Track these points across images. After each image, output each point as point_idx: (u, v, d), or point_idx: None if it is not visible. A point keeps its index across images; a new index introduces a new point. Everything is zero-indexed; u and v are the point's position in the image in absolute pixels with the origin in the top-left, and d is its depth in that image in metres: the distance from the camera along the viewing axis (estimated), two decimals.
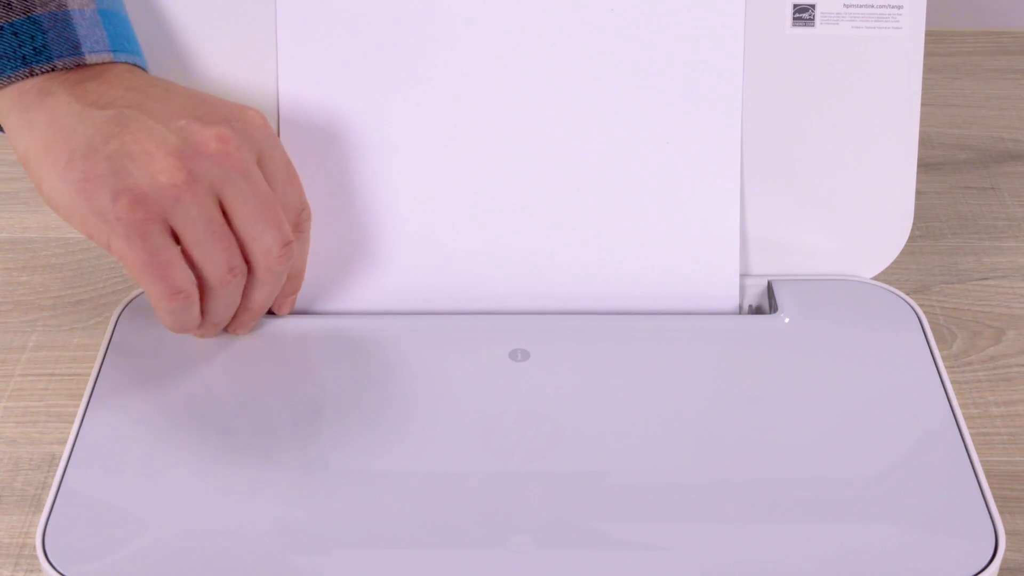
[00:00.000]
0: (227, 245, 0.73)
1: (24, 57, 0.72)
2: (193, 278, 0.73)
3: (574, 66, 0.81)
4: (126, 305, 0.82)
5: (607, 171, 0.82)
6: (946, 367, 0.82)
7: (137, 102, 0.73)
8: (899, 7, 0.81)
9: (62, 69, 0.72)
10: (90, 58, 0.73)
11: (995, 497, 0.72)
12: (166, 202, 0.70)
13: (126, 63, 0.75)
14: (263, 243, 0.74)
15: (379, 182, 0.82)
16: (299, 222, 0.77)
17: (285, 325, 0.80)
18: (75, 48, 0.73)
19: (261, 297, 0.76)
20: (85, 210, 0.71)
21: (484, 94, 0.81)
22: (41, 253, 0.92)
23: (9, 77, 0.72)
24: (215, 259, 0.72)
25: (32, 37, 0.72)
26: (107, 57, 0.73)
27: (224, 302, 0.75)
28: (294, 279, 0.79)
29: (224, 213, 0.73)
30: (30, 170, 0.73)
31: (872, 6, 0.81)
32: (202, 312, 0.75)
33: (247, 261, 0.74)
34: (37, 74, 0.72)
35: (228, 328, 0.78)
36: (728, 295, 0.82)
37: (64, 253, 0.92)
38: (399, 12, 0.80)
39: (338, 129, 0.81)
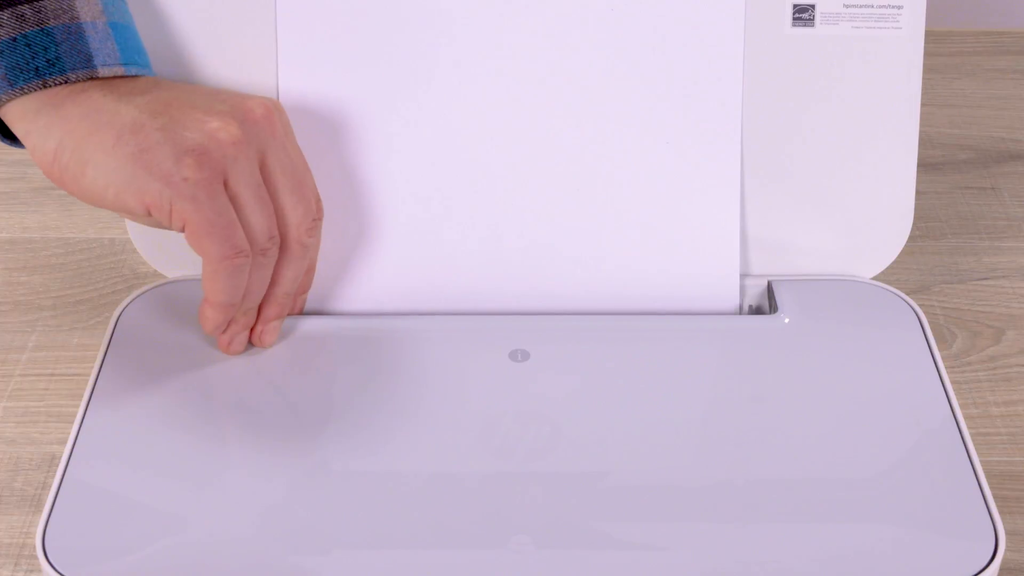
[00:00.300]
0: (270, 212, 0.74)
1: (37, 69, 0.72)
2: (247, 239, 0.74)
3: (574, 66, 0.81)
4: (126, 305, 0.82)
5: (607, 171, 0.82)
6: (946, 367, 0.82)
7: (171, 88, 0.75)
8: (899, 7, 0.81)
9: (75, 82, 0.72)
10: (102, 71, 0.73)
11: (995, 497, 0.72)
12: (227, 160, 0.72)
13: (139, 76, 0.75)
14: (296, 215, 0.75)
15: (379, 182, 0.82)
16: (316, 209, 0.77)
17: (285, 325, 0.80)
18: (88, 61, 0.73)
19: (289, 275, 0.77)
20: (145, 179, 0.71)
21: (484, 94, 0.81)
22: (41, 253, 0.92)
23: (22, 88, 0.72)
24: (260, 223, 0.74)
25: (45, 49, 0.72)
26: (119, 71, 0.74)
27: (260, 274, 0.75)
28: (307, 275, 0.80)
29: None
30: (64, 166, 0.72)
31: (872, 6, 0.81)
32: None
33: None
34: (50, 86, 0.72)
35: (252, 337, 0.78)
36: (728, 295, 0.82)
37: (64, 253, 0.92)
38: (399, 11, 0.80)
39: (338, 128, 0.81)
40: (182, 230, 0.72)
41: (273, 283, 0.77)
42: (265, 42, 0.81)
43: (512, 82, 0.81)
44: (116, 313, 0.81)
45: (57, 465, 0.74)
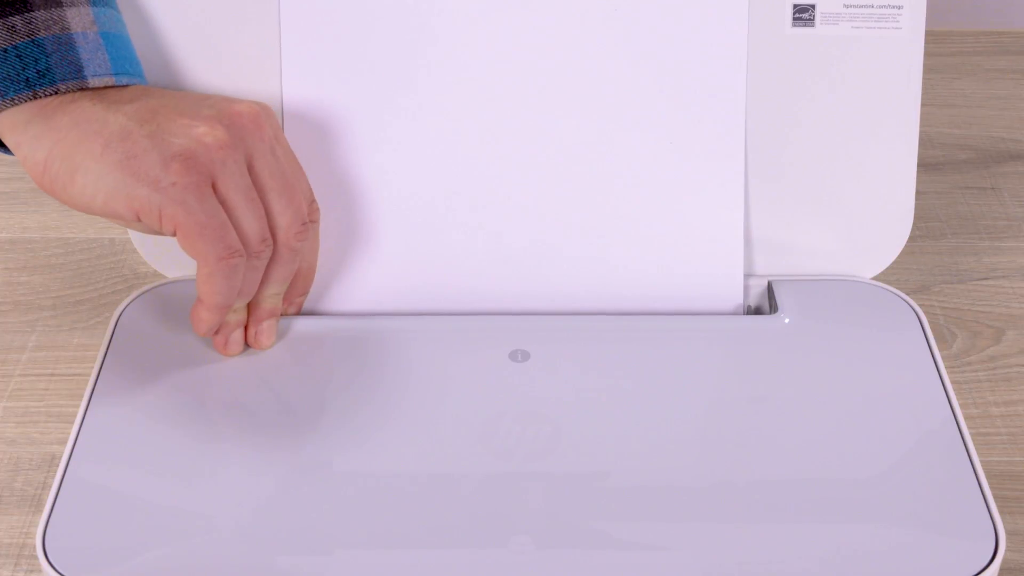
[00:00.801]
0: (261, 214, 0.74)
1: (28, 80, 0.72)
2: (240, 240, 0.74)
3: (578, 66, 0.81)
4: (126, 305, 0.82)
5: (610, 171, 0.82)
6: (946, 367, 0.82)
7: (157, 96, 0.75)
8: (899, 7, 0.81)
9: (64, 92, 0.72)
10: (93, 81, 0.73)
11: (995, 497, 0.72)
12: (215, 164, 0.72)
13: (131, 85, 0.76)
14: (285, 218, 0.75)
15: (380, 183, 0.82)
16: (310, 212, 0.77)
17: (285, 325, 0.80)
18: (78, 71, 0.73)
19: (277, 277, 0.77)
20: (133, 185, 0.71)
21: (487, 94, 0.81)
22: (41, 253, 0.92)
23: (13, 99, 0.72)
24: (252, 226, 0.74)
25: (36, 60, 0.72)
26: (109, 80, 0.74)
27: (251, 276, 0.75)
28: (305, 277, 0.80)
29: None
30: (54, 175, 0.72)
31: (872, 6, 0.81)
32: None
33: None
34: (41, 97, 0.72)
35: (248, 339, 0.78)
36: (732, 296, 0.82)
37: (64, 253, 0.92)
38: (402, 13, 0.80)
39: (342, 130, 0.81)
40: (174, 234, 0.72)
41: (262, 284, 0.77)
42: (269, 47, 0.81)
43: (515, 83, 0.81)
44: (116, 313, 0.81)
45: (57, 465, 0.74)
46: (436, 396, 0.75)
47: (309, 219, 0.77)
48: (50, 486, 0.75)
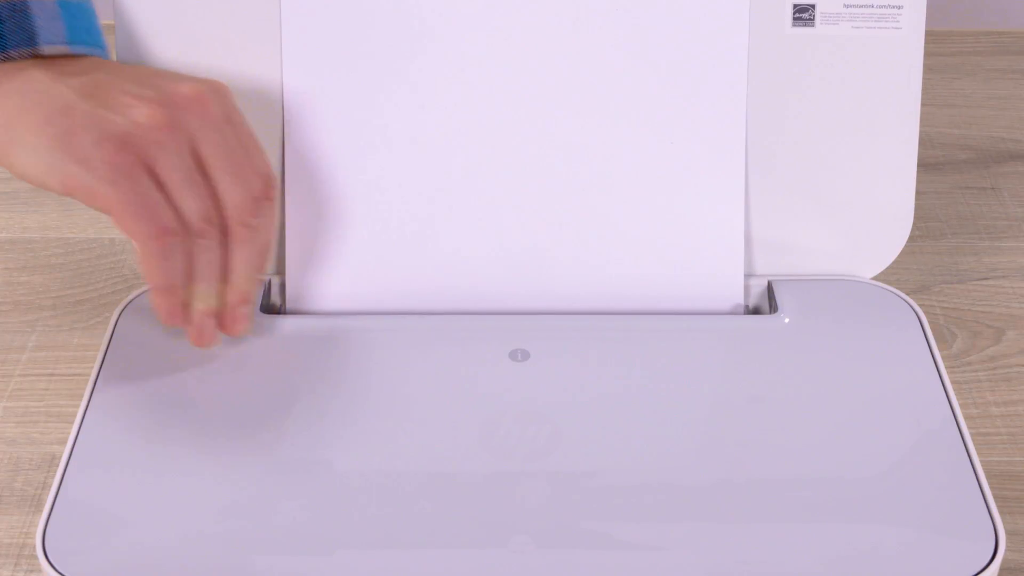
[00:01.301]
0: (204, 193, 0.73)
1: None
2: (177, 219, 0.72)
3: (578, 65, 0.81)
4: (126, 305, 0.82)
5: (610, 170, 0.82)
6: (946, 367, 0.82)
7: (108, 70, 0.75)
8: (899, 7, 0.81)
9: (16, 59, 0.72)
10: (46, 49, 0.73)
11: (995, 497, 0.72)
12: (149, 146, 0.71)
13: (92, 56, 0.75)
14: (234, 196, 0.74)
15: (382, 180, 0.82)
16: (265, 188, 0.76)
17: (284, 325, 0.80)
18: (31, 39, 0.73)
19: (240, 258, 0.75)
20: (67, 161, 0.71)
21: (487, 93, 0.81)
22: (41, 253, 0.92)
23: None
24: (192, 205, 0.73)
25: None
26: (63, 49, 0.74)
27: (205, 258, 0.74)
28: (259, 255, 0.77)
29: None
30: None
31: (872, 6, 0.81)
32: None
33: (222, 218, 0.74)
34: None
35: (224, 327, 0.77)
36: (732, 295, 0.82)
37: (64, 253, 0.92)
38: (402, 10, 0.80)
39: (342, 126, 0.81)
40: (109, 213, 0.72)
41: (228, 268, 0.76)
42: (270, 37, 0.81)
43: (516, 81, 0.81)
44: (116, 313, 0.81)
45: (57, 465, 0.74)
46: (436, 396, 0.75)
47: (264, 196, 0.76)
48: (50, 486, 0.75)
